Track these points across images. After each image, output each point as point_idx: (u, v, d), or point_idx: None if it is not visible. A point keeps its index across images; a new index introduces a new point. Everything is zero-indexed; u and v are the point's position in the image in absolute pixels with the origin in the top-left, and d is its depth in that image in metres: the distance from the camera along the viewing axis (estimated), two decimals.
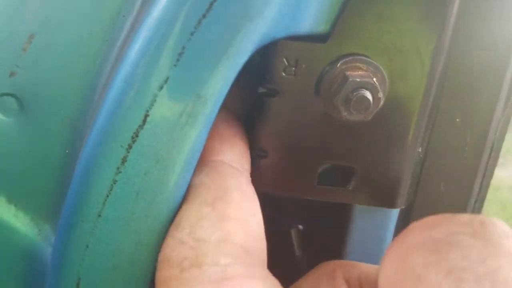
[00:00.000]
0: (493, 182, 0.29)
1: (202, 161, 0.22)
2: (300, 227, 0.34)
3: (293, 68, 0.23)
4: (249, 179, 0.23)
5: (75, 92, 0.20)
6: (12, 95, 0.21)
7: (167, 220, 0.20)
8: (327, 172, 0.27)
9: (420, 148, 0.24)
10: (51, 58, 0.20)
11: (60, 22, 0.20)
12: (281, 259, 0.33)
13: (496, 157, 0.28)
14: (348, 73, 0.22)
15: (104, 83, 0.21)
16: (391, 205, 0.25)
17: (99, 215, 0.20)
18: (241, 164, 0.23)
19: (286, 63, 0.23)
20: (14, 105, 0.21)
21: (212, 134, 0.22)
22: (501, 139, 0.28)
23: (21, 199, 0.21)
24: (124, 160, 0.20)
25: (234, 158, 0.23)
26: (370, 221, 0.27)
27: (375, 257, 0.28)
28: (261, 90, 0.24)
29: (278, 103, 0.23)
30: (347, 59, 0.22)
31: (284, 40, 0.22)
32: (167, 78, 0.19)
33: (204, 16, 0.19)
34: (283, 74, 0.23)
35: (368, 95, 0.22)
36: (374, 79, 0.22)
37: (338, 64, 0.22)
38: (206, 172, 0.21)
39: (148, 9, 0.20)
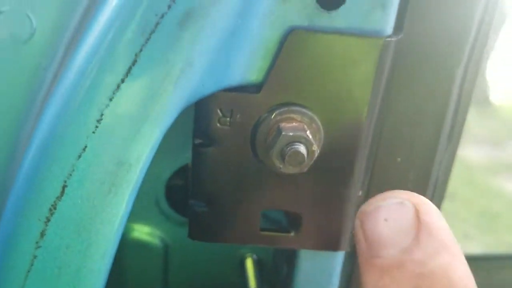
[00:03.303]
0: None
1: None
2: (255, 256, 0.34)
3: (228, 119, 0.22)
4: None
5: None
6: None
7: None
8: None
9: (361, 192, 0.24)
10: None
11: None
12: None
13: (443, 190, 0.28)
14: (282, 125, 0.21)
15: (21, 148, 0.19)
16: (336, 248, 0.25)
17: None
18: None
19: (221, 114, 0.22)
20: None
21: None
22: (447, 172, 0.28)
23: None
24: (42, 234, 0.18)
25: None
26: (317, 263, 0.27)
27: None
28: (197, 141, 0.23)
29: (214, 153, 0.23)
30: (281, 109, 0.22)
31: (217, 91, 0.21)
32: (85, 146, 0.18)
33: (122, 80, 0.18)
34: (218, 125, 0.22)
35: (302, 149, 0.21)
36: (308, 132, 0.21)
37: (273, 115, 0.22)
38: None
39: (67, 65, 0.19)
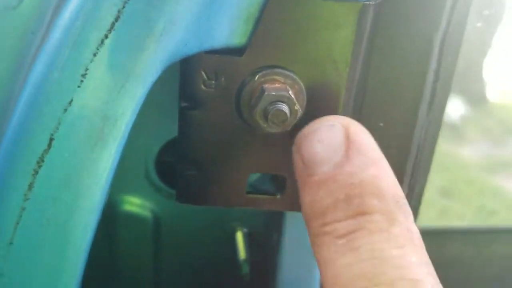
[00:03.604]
0: None
1: None
2: (245, 230, 0.34)
3: (213, 81, 0.23)
4: None
5: None
6: None
7: (82, 246, 0.20)
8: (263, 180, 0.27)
9: None
10: None
11: None
12: (225, 262, 0.33)
13: (428, 160, 0.29)
14: (265, 86, 0.22)
15: (12, 105, 0.20)
16: None
17: (11, 243, 0.19)
18: None
19: (205, 76, 0.22)
20: None
21: None
22: (433, 140, 0.29)
23: None
24: (31, 186, 0.19)
25: None
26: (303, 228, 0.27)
27: None
28: (183, 104, 0.23)
29: (200, 116, 0.23)
30: (265, 71, 0.22)
31: (201, 53, 0.22)
32: (71, 100, 0.19)
33: (106, 36, 0.19)
34: (203, 87, 0.23)
35: (285, 108, 0.22)
36: (291, 91, 0.22)
37: (256, 77, 0.22)
38: None
39: (52, 28, 0.20)
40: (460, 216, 1.76)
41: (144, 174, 0.31)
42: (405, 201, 0.21)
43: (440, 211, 1.80)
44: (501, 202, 1.91)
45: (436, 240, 0.32)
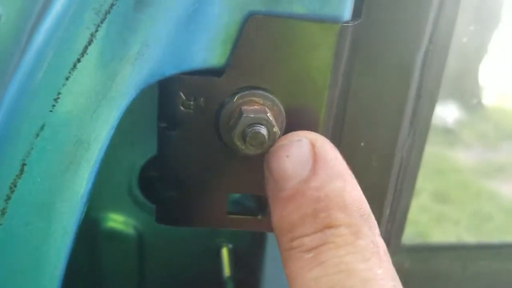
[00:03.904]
0: None
1: None
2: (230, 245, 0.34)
3: (191, 102, 0.22)
4: None
5: None
6: None
7: (56, 270, 0.20)
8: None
9: None
10: None
11: None
12: (210, 279, 0.33)
13: (413, 178, 0.29)
14: (244, 108, 0.22)
15: None
16: None
17: None
18: None
19: (184, 97, 0.22)
20: None
21: None
22: (417, 158, 0.29)
23: None
24: (3, 212, 0.19)
25: None
26: None
27: None
28: (161, 124, 0.23)
29: (179, 137, 0.23)
30: (243, 93, 0.22)
31: (180, 74, 0.21)
32: (43, 124, 0.18)
33: (79, 60, 0.18)
34: (182, 108, 0.22)
35: (263, 130, 0.21)
36: (269, 113, 0.22)
37: (235, 98, 0.22)
38: None
39: (28, 48, 0.19)
40: (455, 221, 1.76)
41: (127, 190, 0.30)
42: (370, 214, 0.21)
43: (435, 216, 1.80)
44: (497, 206, 1.92)
45: (422, 256, 0.31)
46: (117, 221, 0.31)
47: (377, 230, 0.21)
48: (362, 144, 0.25)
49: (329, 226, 0.20)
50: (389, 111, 0.25)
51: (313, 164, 0.21)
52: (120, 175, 0.30)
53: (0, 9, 0.21)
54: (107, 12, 0.18)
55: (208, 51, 0.21)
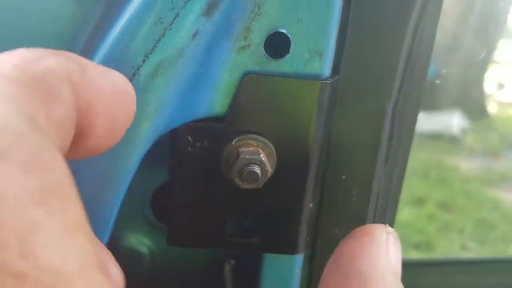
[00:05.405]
0: None
1: None
2: (233, 262, 0.38)
3: (197, 144, 0.27)
4: None
5: None
6: None
7: None
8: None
9: (311, 204, 0.29)
10: None
11: None
12: None
13: (393, 206, 0.33)
14: (241, 149, 0.26)
15: None
16: (293, 251, 0.30)
17: None
18: None
19: (191, 140, 0.27)
20: None
21: None
22: (397, 187, 0.33)
23: None
24: None
25: None
26: (280, 264, 0.31)
27: None
28: (172, 162, 0.28)
29: (187, 172, 0.27)
30: (241, 137, 0.27)
31: (187, 122, 0.26)
32: (78, 168, 0.23)
33: None
34: (189, 149, 0.27)
35: (257, 169, 0.26)
36: (262, 155, 0.26)
37: (234, 141, 0.27)
38: None
39: None
40: (460, 230, 1.78)
41: (140, 213, 0.35)
42: None
43: (441, 225, 1.81)
44: (501, 215, 1.93)
45: (409, 272, 0.35)
46: (131, 240, 0.35)
47: None
48: (344, 176, 0.29)
49: None
50: (366, 150, 0.29)
51: None
52: (133, 201, 0.34)
53: None
54: (131, 80, 0.22)
55: (211, 103, 0.26)
